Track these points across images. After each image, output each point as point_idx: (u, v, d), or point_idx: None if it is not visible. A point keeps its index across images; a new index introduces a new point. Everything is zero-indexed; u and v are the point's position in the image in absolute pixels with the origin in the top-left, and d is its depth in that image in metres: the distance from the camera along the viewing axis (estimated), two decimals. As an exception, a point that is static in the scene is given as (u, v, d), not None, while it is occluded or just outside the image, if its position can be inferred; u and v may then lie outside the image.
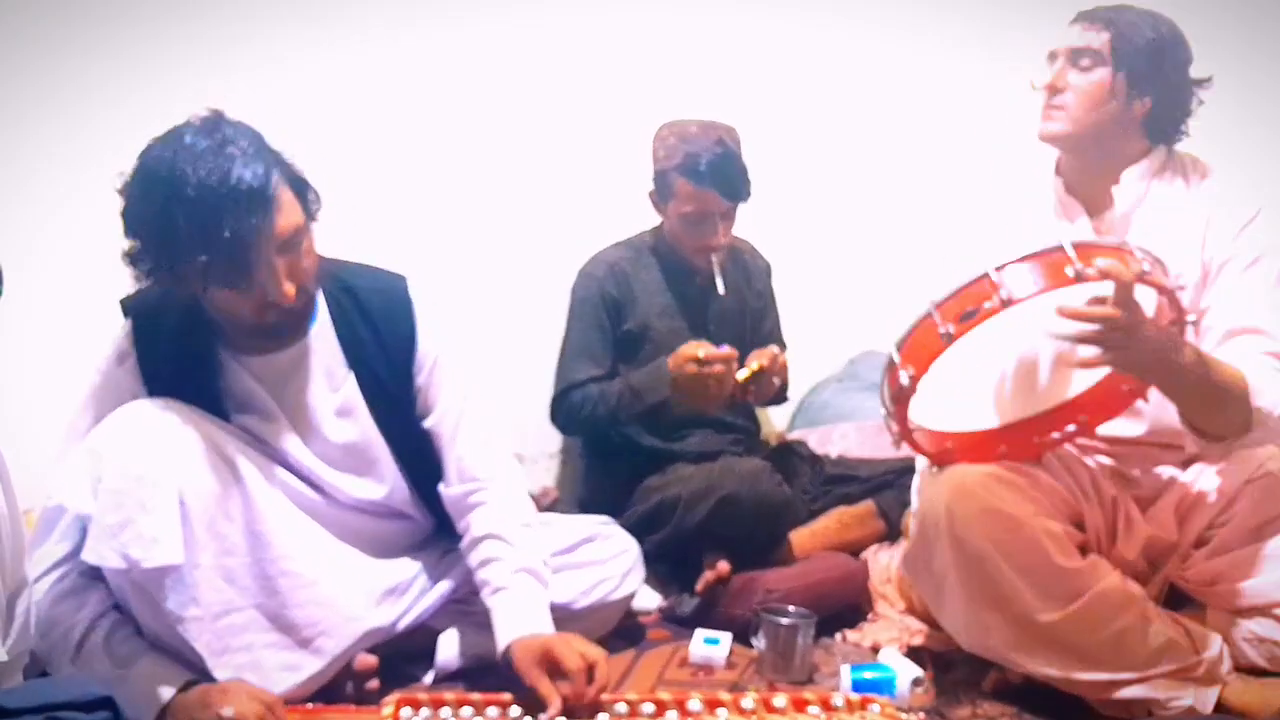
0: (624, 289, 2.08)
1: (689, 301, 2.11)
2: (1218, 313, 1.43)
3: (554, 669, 1.27)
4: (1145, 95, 1.47)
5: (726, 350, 1.83)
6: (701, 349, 1.81)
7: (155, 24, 1.89)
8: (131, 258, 1.23)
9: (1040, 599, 1.33)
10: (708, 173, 1.95)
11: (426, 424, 1.47)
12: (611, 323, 2.07)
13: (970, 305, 1.23)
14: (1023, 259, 1.23)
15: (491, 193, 2.28)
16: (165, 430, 1.24)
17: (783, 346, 2.20)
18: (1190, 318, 1.28)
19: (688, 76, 2.42)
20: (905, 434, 1.38)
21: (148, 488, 1.18)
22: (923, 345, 1.27)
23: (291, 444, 1.40)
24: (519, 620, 1.34)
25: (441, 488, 1.47)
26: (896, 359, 1.30)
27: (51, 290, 1.73)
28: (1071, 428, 1.48)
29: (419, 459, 1.48)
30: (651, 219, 2.19)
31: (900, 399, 1.32)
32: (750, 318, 2.19)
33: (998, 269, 1.23)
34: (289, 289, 1.24)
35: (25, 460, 1.29)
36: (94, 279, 1.77)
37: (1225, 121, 1.60)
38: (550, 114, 2.34)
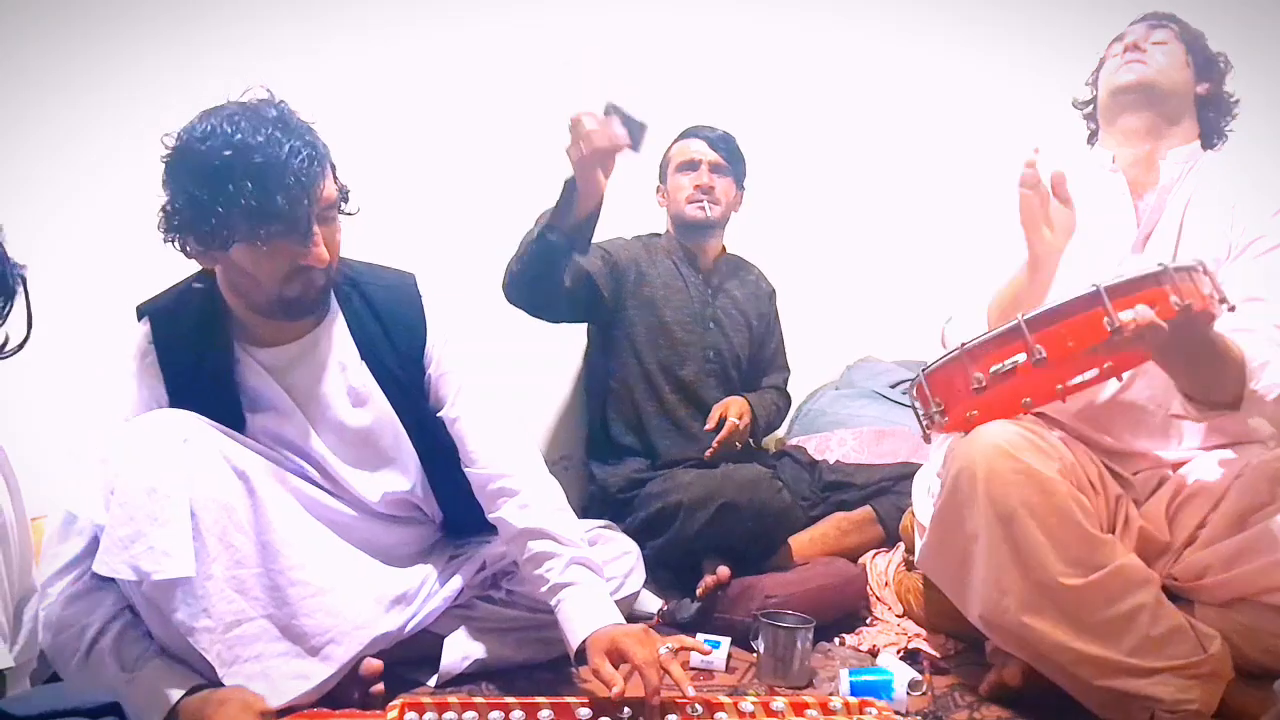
0: (631, 263, 2.12)
1: (692, 299, 2.14)
2: (1238, 284, 1.46)
3: (620, 660, 1.29)
4: (1205, 80, 1.67)
5: None
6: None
7: (155, 24, 1.88)
8: (182, 204, 1.24)
9: (1065, 563, 1.33)
10: (695, 128, 2.17)
11: (442, 414, 1.48)
12: (605, 277, 2.06)
13: (1004, 358, 1.23)
14: (1057, 314, 1.21)
15: (495, 197, 2.28)
16: (177, 442, 1.24)
17: (786, 370, 2.25)
18: (1223, 307, 1.29)
19: (690, 80, 2.42)
20: (935, 429, 1.40)
21: (159, 500, 1.18)
22: (954, 386, 1.28)
23: (307, 438, 1.41)
24: (589, 615, 1.35)
25: (466, 469, 1.47)
26: (927, 388, 1.31)
27: (52, 292, 1.71)
28: (1094, 373, 1.47)
29: (434, 450, 1.49)
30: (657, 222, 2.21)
31: (932, 423, 1.34)
32: (753, 337, 2.22)
33: (1031, 327, 1.21)
34: (323, 252, 1.29)
35: (31, 467, 1.29)
36: (96, 279, 1.77)
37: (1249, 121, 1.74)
38: (551, 119, 2.33)
